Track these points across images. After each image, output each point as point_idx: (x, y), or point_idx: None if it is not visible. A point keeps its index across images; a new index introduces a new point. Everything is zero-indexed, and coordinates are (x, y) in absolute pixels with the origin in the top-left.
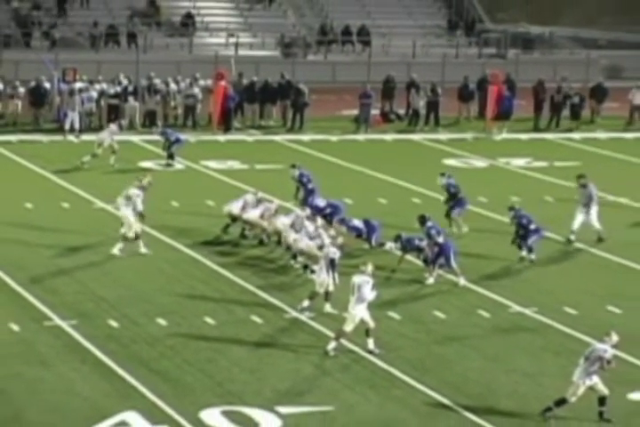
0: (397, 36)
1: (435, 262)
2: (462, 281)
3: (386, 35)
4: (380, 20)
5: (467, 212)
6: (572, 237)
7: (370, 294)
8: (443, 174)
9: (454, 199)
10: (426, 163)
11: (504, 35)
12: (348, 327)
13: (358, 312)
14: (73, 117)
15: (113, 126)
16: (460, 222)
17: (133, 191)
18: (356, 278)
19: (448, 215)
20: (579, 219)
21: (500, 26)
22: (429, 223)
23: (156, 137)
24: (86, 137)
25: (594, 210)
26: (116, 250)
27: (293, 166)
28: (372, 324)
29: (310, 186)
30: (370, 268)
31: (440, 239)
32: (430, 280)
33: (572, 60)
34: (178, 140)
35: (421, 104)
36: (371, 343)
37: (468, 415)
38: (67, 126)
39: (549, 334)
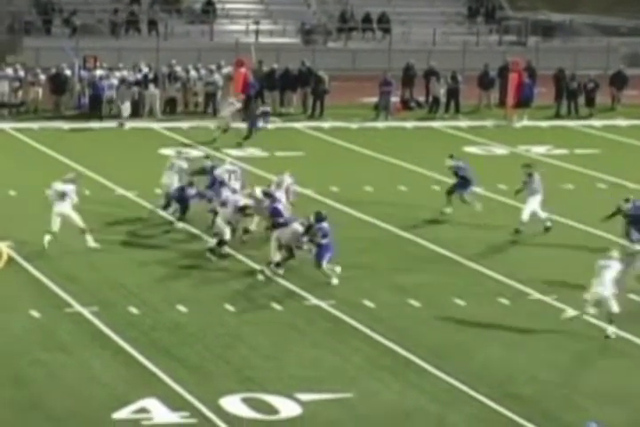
0: (418, 23)
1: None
2: (335, 281)
3: (406, 22)
4: (401, 8)
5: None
6: (525, 228)
7: (610, 277)
8: (451, 156)
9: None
10: (446, 150)
11: (524, 22)
12: (615, 308)
13: (605, 292)
14: (123, 107)
15: (232, 99)
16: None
17: (66, 187)
18: (602, 262)
19: (450, 193)
20: (530, 209)
21: (520, 13)
22: (323, 224)
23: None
24: (108, 124)
25: (536, 199)
26: (91, 243)
27: (207, 157)
28: (614, 308)
29: (220, 178)
30: (615, 253)
31: (323, 241)
32: (334, 281)
33: (593, 48)
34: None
35: (442, 92)
36: (610, 328)
37: (487, 402)
38: (125, 114)
39: (569, 321)
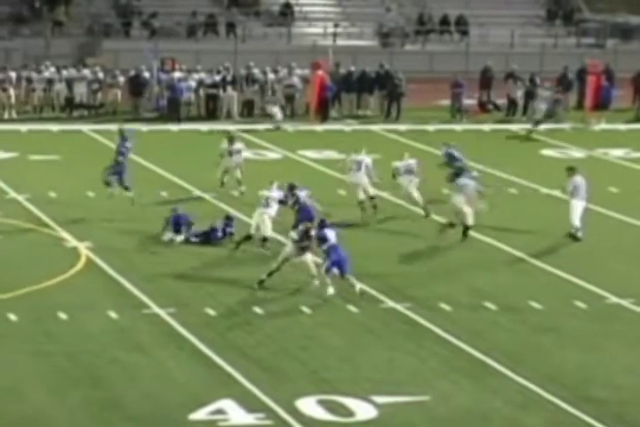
0: (495, 25)
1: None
2: (330, 291)
3: (484, 24)
4: (479, 10)
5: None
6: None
7: None
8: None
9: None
10: (523, 153)
11: (603, 25)
12: None
13: None
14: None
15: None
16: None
17: None
18: None
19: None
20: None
21: (598, 15)
22: (324, 230)
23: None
24: (186, 126)
25: (577, 204)
26: None
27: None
28: None
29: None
30: None
31: (323, 246)
32: (329, 291)
33: None
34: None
35: (519, 94)
36: None
37: (564, 406)
38: (280, 116)
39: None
